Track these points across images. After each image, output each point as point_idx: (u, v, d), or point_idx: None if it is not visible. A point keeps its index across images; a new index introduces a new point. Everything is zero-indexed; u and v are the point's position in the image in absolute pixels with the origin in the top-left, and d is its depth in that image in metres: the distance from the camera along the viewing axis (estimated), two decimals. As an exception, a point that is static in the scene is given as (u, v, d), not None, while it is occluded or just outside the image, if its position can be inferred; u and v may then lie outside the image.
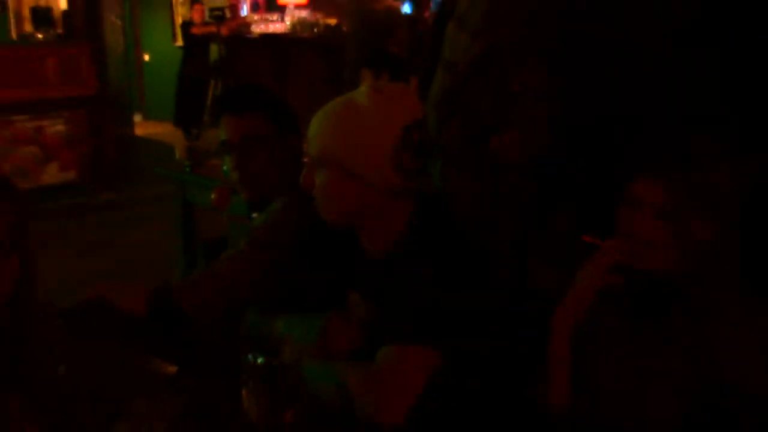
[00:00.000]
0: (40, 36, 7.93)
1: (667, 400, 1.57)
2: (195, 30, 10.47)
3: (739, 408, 1.49)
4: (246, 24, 10.76)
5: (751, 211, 1.58)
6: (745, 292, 1.60)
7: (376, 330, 1.78)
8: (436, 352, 1.70)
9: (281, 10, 10.61)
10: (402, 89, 1.83)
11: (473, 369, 1.74)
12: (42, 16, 7.97)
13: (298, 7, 10.14)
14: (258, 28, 10.50)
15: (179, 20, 12.04)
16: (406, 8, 9.09)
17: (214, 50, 10.54)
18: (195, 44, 10.48)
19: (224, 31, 10.43)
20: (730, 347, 1.54)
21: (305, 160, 1.90)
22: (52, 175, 7.57)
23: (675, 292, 1.62)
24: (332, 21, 9.72)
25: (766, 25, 1.84)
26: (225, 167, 2.44)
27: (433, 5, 8.25)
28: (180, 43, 11.26)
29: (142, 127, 11.62)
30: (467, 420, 1.72)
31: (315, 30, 9.55)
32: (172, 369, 1.96)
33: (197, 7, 10.86)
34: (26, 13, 7.93)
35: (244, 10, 11.30)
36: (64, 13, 8.10)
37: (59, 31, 8.07)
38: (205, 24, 10.58)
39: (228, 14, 11.05)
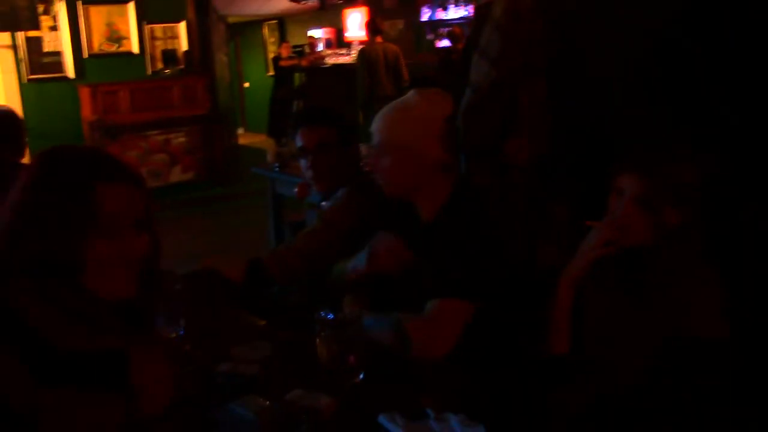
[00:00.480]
0: (167, 71, 8.04)
1: (642, 345, 1.54)
2: (282, 63, 10.52)
3: (696, 350, 1.47)
4: (321, 57, 10.79)
5: (710, 200, 1.54)
6: (703, 262, 1.57)
7: (426, 281, 1.78)
8: (472, 304, 1.72)
9: (348, 46, 10.62)
10: (439, 92, 1.88)
11: (497, 318, 1.74)
12: (169, 56, 8.10)
13: (360, 43, 10.14)
14: (330, 60, 10.52)
15: (270, 56, 12.11)
16: (445, 42, 9.05)
17: (297, 78, 10.59)
18: (283, 74, 10.53)
19: (304, 63, 10.47)
20: (691, 304, 1.52)
21: (370, 150, 1.90)
22: (177, 175, 7.69)
23: (650, 262, 1.59)
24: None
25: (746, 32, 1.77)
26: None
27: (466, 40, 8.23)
28: (271, 73, 11.33)
29: (244, 137, 11.75)
30: (493, 355, 1.72)
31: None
32: (262, 322, 1.97)
33: (284, 45, 10.92)
34: (158, 54, 8.06)
35: (320, 47, 11.32)
36: (185, 53, 8.21)
37: (181, 66, 8.18)
38: (290, 58, 10.62)
39: (307, 50, 11.07)
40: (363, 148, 2.74)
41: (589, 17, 2.02)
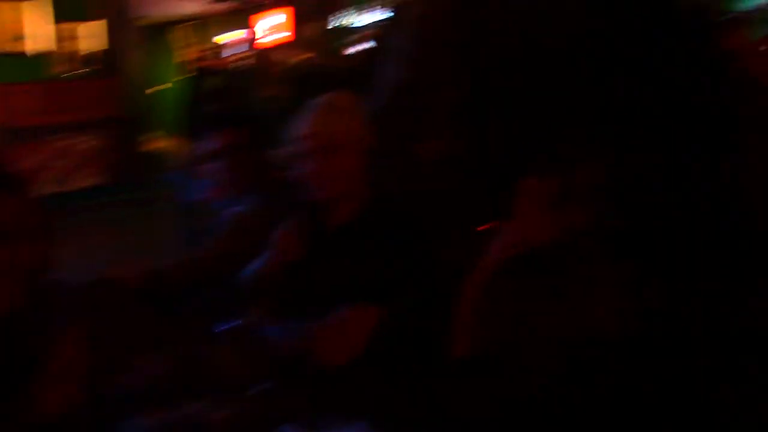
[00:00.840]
0: (76, 73, 7.79)
1: (549, 346, 1.55)
2: (195, 66, 10.37)
3: (601, 351, 1.49)
4: (230, 61, 10.74)
5: (615, 199, 1.58)
6: (609, 262, 1.59)
7: (333, 287, 1.76)
8: (378, 311, 1.69)
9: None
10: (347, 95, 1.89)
11: (403, 324, 1.72)
12: (79, 57, 7.84)
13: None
14: (242, 63, 10.46)
15: (184, 59, 11.91)
16: (360, 47, 9.08)
17: (209, 80, 10.47)
18: (196, 77, 10.38)
19: (216, 65, 10.36)
20: (596, 304, 1.54)
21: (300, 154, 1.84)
22: (84, 180, 7.45)
23: (556, 262, 1.60)
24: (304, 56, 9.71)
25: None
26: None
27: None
28: (185, 76, 11.13)
29: (154, 141, 11.47)
30: (400, 360, 1.69)
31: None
32: (164, 330, 1.91)
33: (197, 48, 10.78)
34: (67, 55, 7.78)
35: (230, 51, 11.24)
36: (96, 54, 7.98)
37: (91, 68, 7.93)
38: (203, 60, 10.48)
39: (212, 54, 11.00)
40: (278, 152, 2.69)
41: (502, 23, 2.04)
